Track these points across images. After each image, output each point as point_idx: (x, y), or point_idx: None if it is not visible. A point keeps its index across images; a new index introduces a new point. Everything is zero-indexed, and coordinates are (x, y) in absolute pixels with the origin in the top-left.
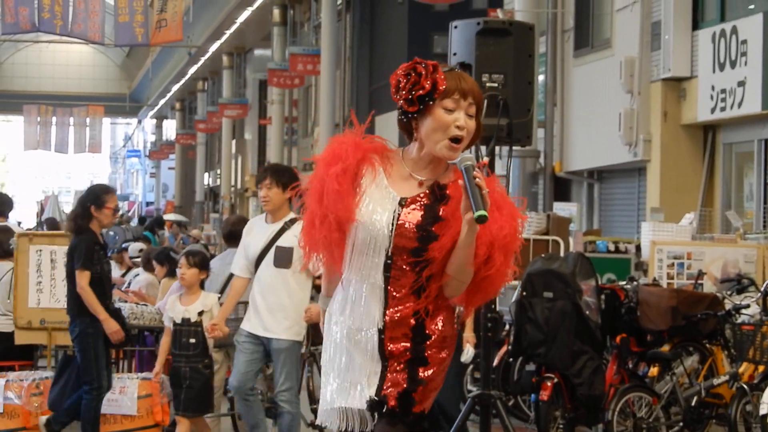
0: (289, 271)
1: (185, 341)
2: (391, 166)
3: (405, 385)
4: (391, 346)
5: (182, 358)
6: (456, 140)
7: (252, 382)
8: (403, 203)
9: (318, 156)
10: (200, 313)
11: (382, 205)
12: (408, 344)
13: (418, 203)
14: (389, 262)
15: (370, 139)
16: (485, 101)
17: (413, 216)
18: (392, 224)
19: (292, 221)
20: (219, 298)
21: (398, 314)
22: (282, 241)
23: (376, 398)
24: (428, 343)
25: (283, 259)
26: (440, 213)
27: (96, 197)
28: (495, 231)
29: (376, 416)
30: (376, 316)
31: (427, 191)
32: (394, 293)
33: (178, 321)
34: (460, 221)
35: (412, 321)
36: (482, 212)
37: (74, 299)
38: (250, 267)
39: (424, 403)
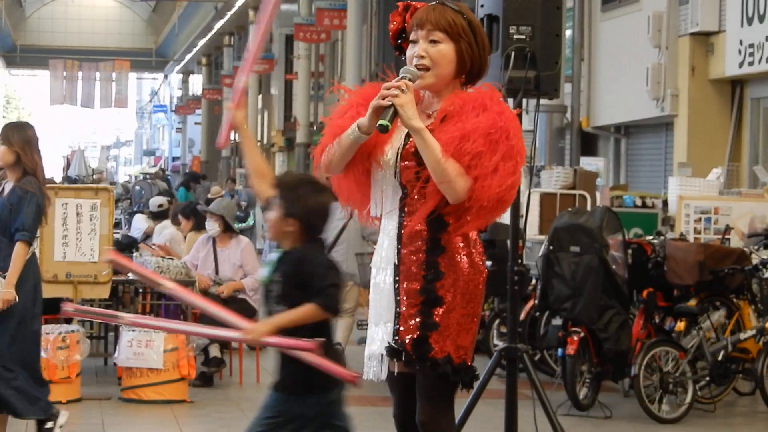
0: None
1: None
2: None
3: (418, 332)
4: (405, 285)
5: None
6: (420, 69)
7: None
8: (409, 136)
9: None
10: None
11: (392, 143)
12: (420, 283)
13: None
14: (404, 195)
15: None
16: (512, 52)
17: (413, 145)
18: (397, 156)
19: None
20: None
21: (411, 249)
22: None
23: (393, 345)
24: (442, 281)
25: None
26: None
27: None
28: (469, 127)
29: (395, 362)
30: (392, 253)
31: (433, 120)
32: (408, 227)
33: None
34: (446, 132)
35: (424, 256)
36: (382, 121)
37: None
38: None
39: (446, 346)
